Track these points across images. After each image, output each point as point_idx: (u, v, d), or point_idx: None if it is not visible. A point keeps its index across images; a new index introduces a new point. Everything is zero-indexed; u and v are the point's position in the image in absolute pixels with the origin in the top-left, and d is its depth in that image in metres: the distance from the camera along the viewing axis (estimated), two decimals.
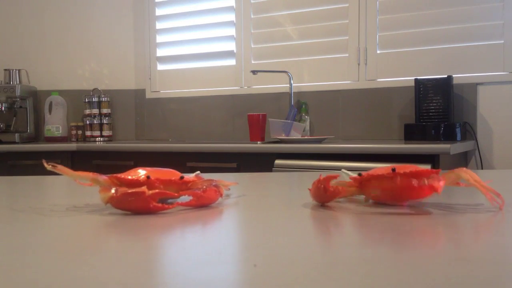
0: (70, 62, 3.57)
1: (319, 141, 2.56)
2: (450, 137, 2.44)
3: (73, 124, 3.50)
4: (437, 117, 2.51)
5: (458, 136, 2.46)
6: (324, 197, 0.71)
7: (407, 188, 0.65)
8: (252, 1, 3.19)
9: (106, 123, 3.46)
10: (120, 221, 0.62)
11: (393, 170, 0.69)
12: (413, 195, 0.66)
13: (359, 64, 2.89)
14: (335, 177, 0.70)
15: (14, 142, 3.25)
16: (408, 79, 2.73)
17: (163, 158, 2.74)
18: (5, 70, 3.40)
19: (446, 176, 0.68)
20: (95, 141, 3.40)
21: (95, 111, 3.45)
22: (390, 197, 0.67)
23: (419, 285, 0.36)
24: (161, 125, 3.52)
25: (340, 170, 0.87)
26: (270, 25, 3.14)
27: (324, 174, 0.85)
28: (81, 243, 0.49)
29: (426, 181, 0.65)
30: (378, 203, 0.73)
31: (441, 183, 0.65)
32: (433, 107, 2.52)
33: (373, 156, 2.23)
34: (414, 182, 0.65)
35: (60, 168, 0.68)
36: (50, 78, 3.55)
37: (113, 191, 0.66)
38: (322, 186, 0.69)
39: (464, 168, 0.69)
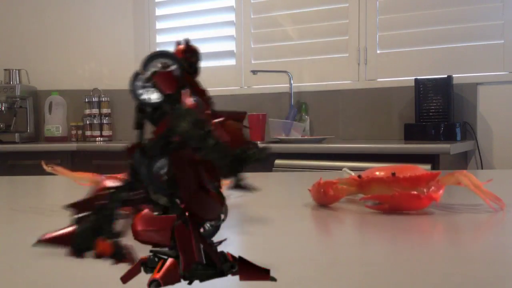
0: (70, 62, 3.56)
1: (319, 141, 2.56)
2: (450, 137, 2.44)
3: (73, 124, 3.49)
4: (437, 117, 2.51)
5: (458, 136, 2.45)
6: (324, 200, 0.71)
7: (406, 199, 0.65)
8: (252, 1, 3.19)
9: (106, 123, 3.45)
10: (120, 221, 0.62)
11: (393, 174, 0.68)
12: (412, 207, 0.65)
13: (359, 64, 2.89)
14: (335, 183, 0.70)
15: (14, 142, 3.25)
16: (408, 79, 2.72)
17: None
18: (5, 70, 3.40)
19: (445, 179, 0.68)
20: (95, 141, 3.39)
21: (95, 111, 3.44)
22: (389, 208, 0.66)
23: (419, 285, 0.36)
24: None
25: (340, 170, 0.87)
26: (270, 25, 3.14)
27: (324, 175, 0.85)
28: None
29: (425, 191, 0.65)
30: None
31: (440, 192, 0.65)
32: (433, 107, 2.52)
33: (373, 156, 2.23)
34: (413, 193, 0.64)
35: (59, 170, 0.68)
36: (50, 78, 3.54)
37: None
38: (322, 190, 0.69)
39: (464, 171, 0.68)
